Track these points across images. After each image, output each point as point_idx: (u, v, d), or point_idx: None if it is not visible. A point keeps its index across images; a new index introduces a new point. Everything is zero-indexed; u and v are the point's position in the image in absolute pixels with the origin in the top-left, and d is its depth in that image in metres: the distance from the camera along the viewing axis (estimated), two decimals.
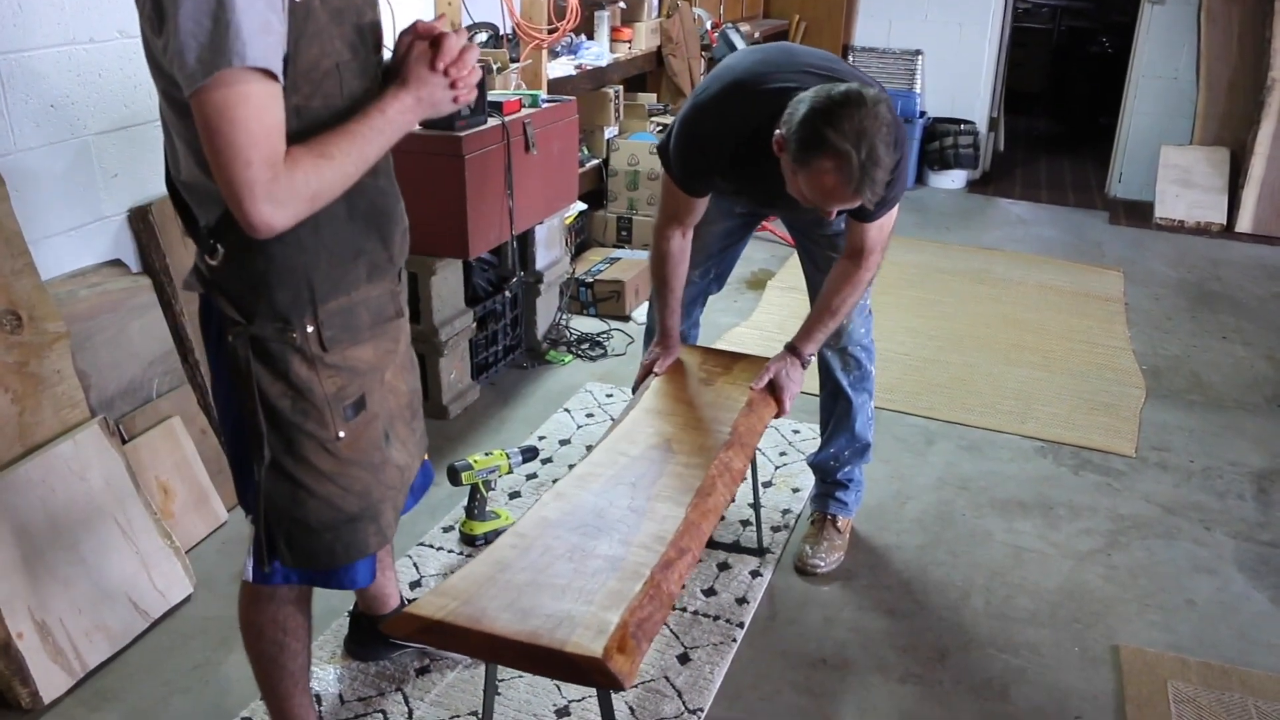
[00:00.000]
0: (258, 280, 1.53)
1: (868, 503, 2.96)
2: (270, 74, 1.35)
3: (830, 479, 2.82)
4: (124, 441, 2.54)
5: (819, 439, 2.85)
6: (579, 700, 2.21)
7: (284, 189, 1.38)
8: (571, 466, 2.21)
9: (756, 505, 2.75)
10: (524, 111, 3.39)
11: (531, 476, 3.09)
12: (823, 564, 2.70)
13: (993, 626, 2.54)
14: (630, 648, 1.62)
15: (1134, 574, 2.76)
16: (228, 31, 1.29)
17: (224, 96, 1.32)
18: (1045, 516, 3.02)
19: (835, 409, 2.75)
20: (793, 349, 2.47)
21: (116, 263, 2.69)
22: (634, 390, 2.61)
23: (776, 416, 2.50)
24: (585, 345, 4.04)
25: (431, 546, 2.74)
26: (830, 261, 2.48)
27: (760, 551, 2.75)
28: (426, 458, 1.97)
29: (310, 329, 1.57)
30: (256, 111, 1.34)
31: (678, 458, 2.17)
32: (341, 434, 1.64)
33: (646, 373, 2.56)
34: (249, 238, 1.43)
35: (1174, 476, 3.26)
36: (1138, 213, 6.31)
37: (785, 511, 2.95)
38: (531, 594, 1.72)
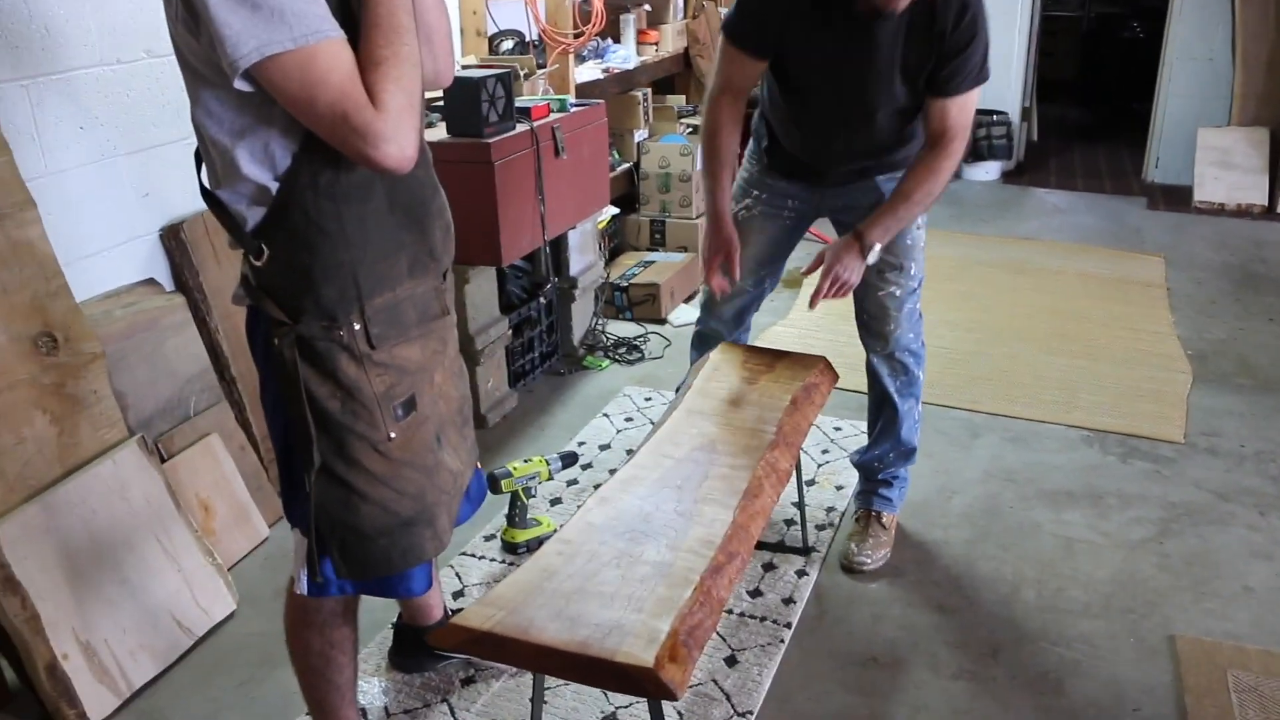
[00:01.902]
0: (303, 277, 1.51)
1: (913, 498, 2.92)
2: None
3: (875, 478, 2.78)
4: (163, 460, 2.54)
5: (863, 435, 2.81)
6: (626, 707, 2.18)
7: (390, 117, 1.37)
8: (613, 471, 2.18)
9: (801, 504, 2.71)
10: (553, 116, 3.37)
11: (572, 483, 3.07)
12: (869, 561, 2.66)
13: (1045, 620, 2.48)
14: (682, 656, 1.59)
15: (1188, 562, 2.69)
16: (273, 15, 1.30)
17: (298, 66, 1.32)
18: (1095, 506, 2.96)
19: (882, 414, 2.71)
20: (857, 234, 2.33)
21: (150, 282, 2.70)
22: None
23: (824, 296, 2.33)
24: (622, 350, 4.01)
25: (474, 556, 2.72)
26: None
27: (806, 551, 2.71)
28: (479, 466, 1.95)
29: (357, 326, 1.55)
30: (332, 66, 1.34)
31: (722, 459, 2.14)
32: (393, 434, 1.61)
33: (713, 271, 2.50)
34: (294, 235, 1.46)
35: (1225, 462, 3.19)
36: (1176, 197, 6.21)
37: (829, 509, 2.91)
38: (579, 602, 1.69)
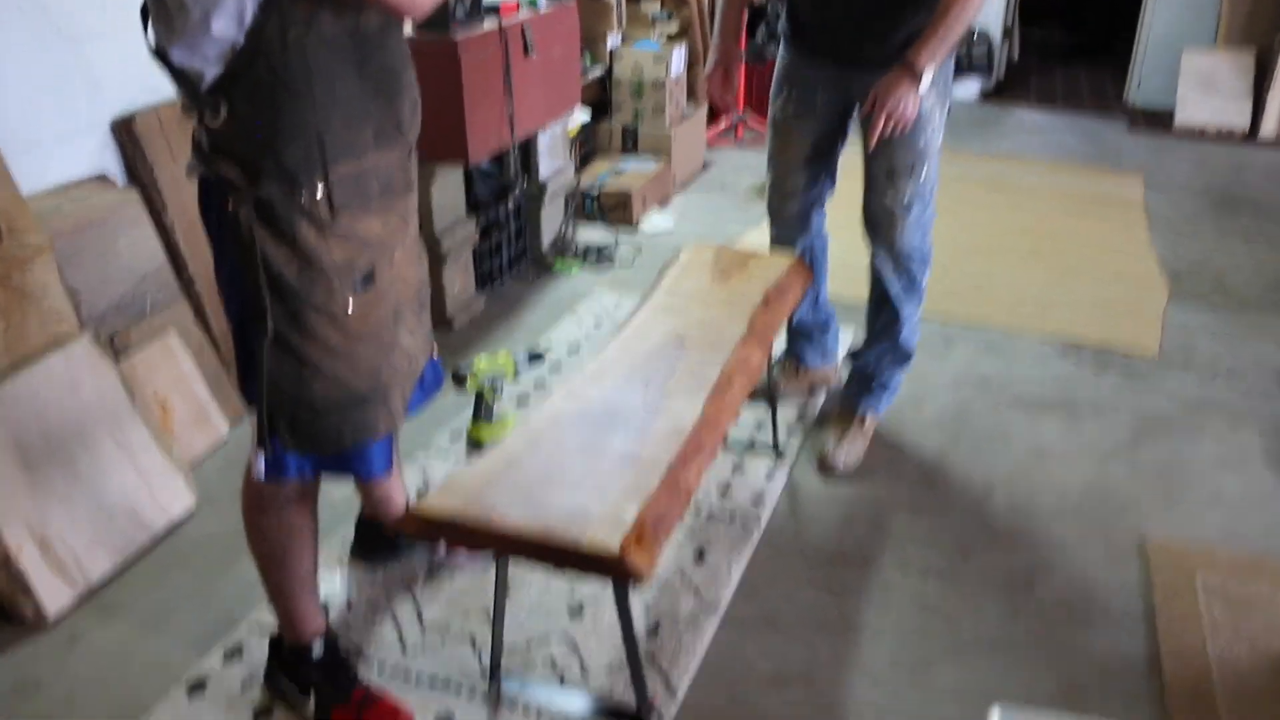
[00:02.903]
0: (266, 137, 1.44)
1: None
2: None
3: (866, 380, 2.76)
4: (118, 358, 2.47)
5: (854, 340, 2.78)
6: (593, 599, 2.15)
7: None
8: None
9: (773, 405, 2.68)
10: (522, 14, 3.26)
11: (540, 384, 3.02)
12: (845, 461, 2.65)
13: (1016, 523, 2.48)
14: (648, 541, 1.56)
15: (1160, 471, 2.69)
16: None
17: None
18: (1067, 416, 2.95)
19: (881, 316, 2.69)
20: (905, 64, 2.22)
21: (102, 179, 2.60)
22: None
23: (881, 136, 2.28)
24: (592, 255, 3.94)
25: (439, 455, 2.68)
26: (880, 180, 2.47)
27: (776, 452, 2.68)
28: (436, 355, 1.89)
29: (320, 192, 1.48)
30: None
31: (691, 354, 2.09)
32: (351, 307, 1.55)
33: (714, 83, 2.63)
34: (257, 90, 1.40)
35: (1198, 376, 3.18)
36: (1158, 120, 6.15)
37: (800, 414, 2.88)
38: (544, 489, 1.65)
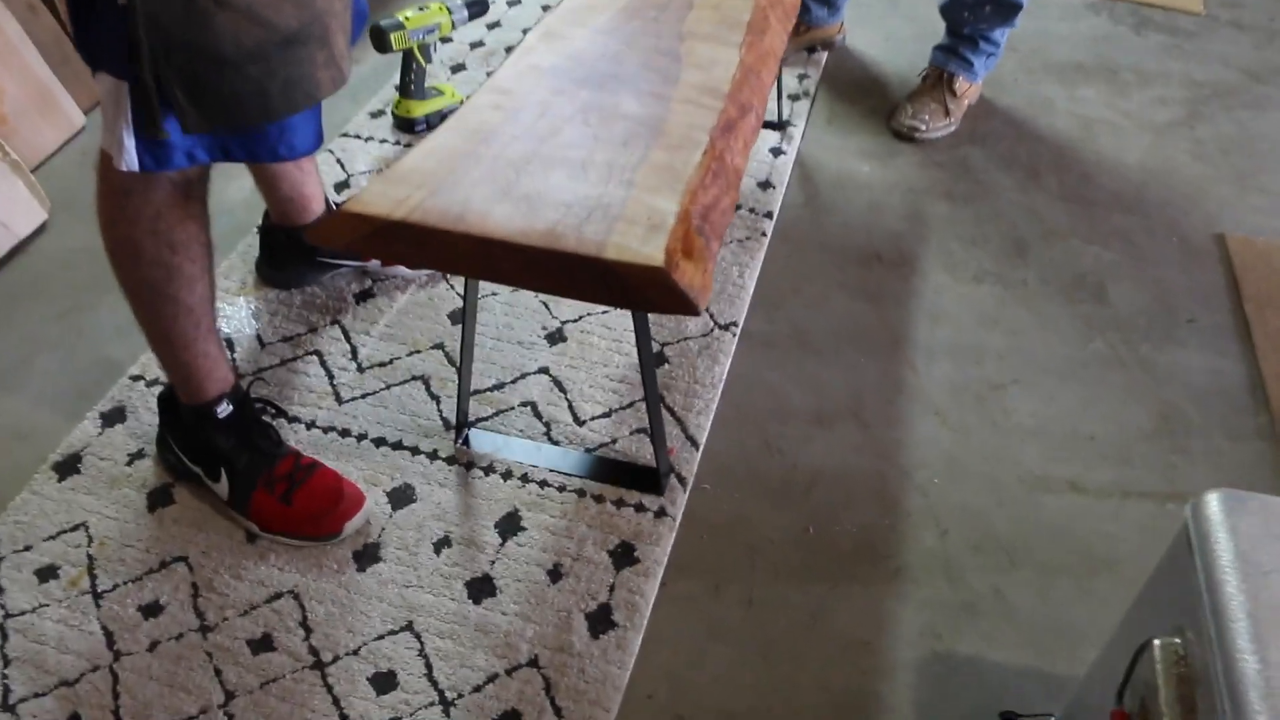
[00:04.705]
0: None
1: (901, 68, 2.37)
2: None
3: (960, 31, 2.21)
4: None
5: None
6: (575, 320, 1.68)
7: None
8: (527, 31, 1.54)
9: (779, 64, 2.13)
10: None
11: (477, 44, 2.39)
12: (925, 128, 2.18)
13: (1073, 212, 2.04)
14: (699, 249, 1.06)
15: (1225, 150, 2.25)
16: None
17: None
18: (1110, 83, 2.46)
19: None
20: None
21: None
22: None
23: None
24: None
25: (359, 137, 2.09)
26: None
27: (781, 124, 2.16)
28: None
29: None
30: None
31: None
32: None
33: None
34: None
35: (1252, 37, 2.69)
36: None
37: (802, 76, 2.33)
38: (537, 172, 1.12)
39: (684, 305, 1.01)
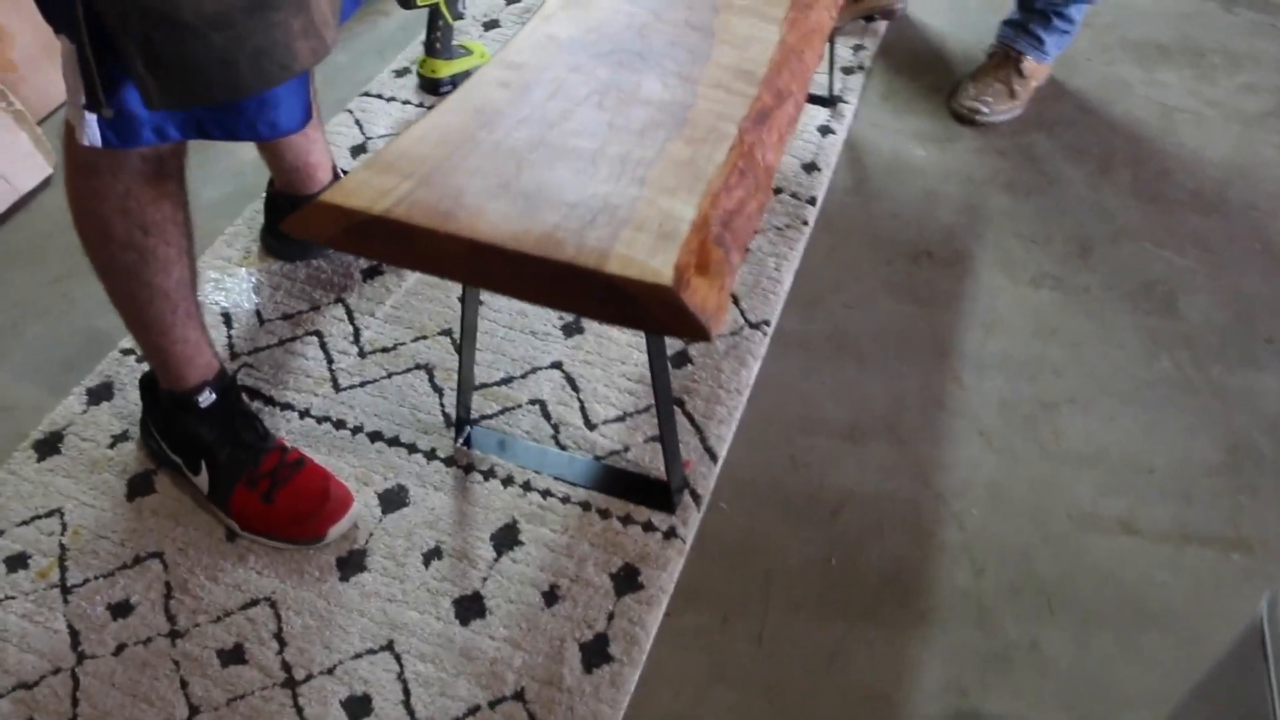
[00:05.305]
0: None
1: (966, 41, 2.21)
2: None
3: (1031, 6, 2.04)
4: None
5: None
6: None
7: None
8: None
9: (830, 35, 1.98)
10: None
11: (514, 0, 2.26)
12: (988, 110, 2.02)
13: (1146, 211, 1.88)
14: (716, 262, 0.94)
15: None
16: None
17: None
18: (1194, 66, 2.27)
19: None
20: None
21: None
22: None
23: None
24: None
25: (380, 97, 1.98)
26: None
27: (831, 101, 2.01)
28: None
29: None
30: None
31: None
32: None
33: None
34: None
35: None
36: None
37: (858, 48, 2.18)
38: (540, 164, 1.00)
39: (692, 329, 0.89)
